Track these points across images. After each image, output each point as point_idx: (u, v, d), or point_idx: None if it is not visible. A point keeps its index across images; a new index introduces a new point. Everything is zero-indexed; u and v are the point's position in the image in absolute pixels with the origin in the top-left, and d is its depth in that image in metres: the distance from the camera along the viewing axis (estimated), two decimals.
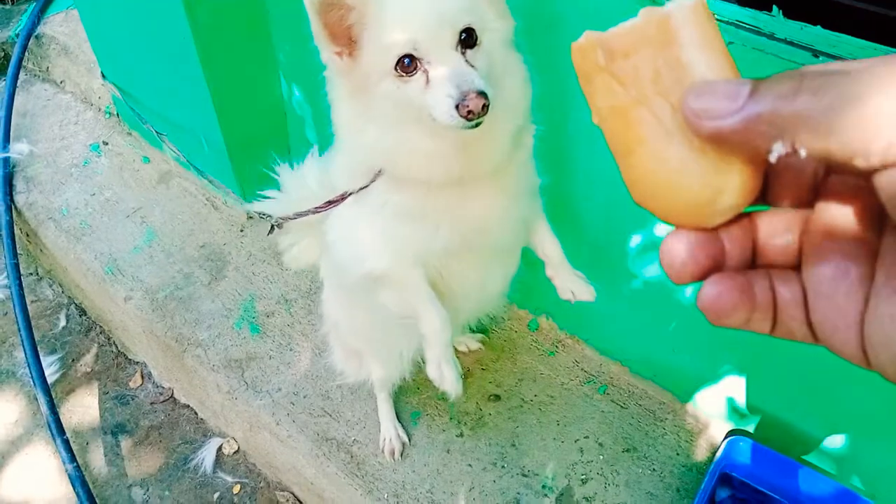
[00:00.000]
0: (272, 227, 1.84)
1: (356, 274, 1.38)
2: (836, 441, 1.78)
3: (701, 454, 1.96)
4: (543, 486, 1.90)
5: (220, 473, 2.30)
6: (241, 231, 2.60)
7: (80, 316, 2.78)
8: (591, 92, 0.42)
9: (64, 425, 2.28)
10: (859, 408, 1.68)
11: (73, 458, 2.20)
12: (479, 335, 2.18)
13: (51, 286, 2.87)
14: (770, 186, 0.42)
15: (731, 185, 0.38)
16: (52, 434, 2.24)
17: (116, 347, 2.68)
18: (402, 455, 1.95)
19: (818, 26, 1.28)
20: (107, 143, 2.91)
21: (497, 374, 2.14)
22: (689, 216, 0.40)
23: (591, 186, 1.82)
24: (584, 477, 1.92)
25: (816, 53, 1.28)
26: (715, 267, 0.42)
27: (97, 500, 2.14)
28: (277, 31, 2.28)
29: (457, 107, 0.93)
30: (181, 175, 2.76)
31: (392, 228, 1.27)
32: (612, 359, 2.14)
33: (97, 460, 2.34)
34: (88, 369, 2.60)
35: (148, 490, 2.26)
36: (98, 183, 2.76)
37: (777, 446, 1.77)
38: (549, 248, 1.45)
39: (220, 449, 2.35)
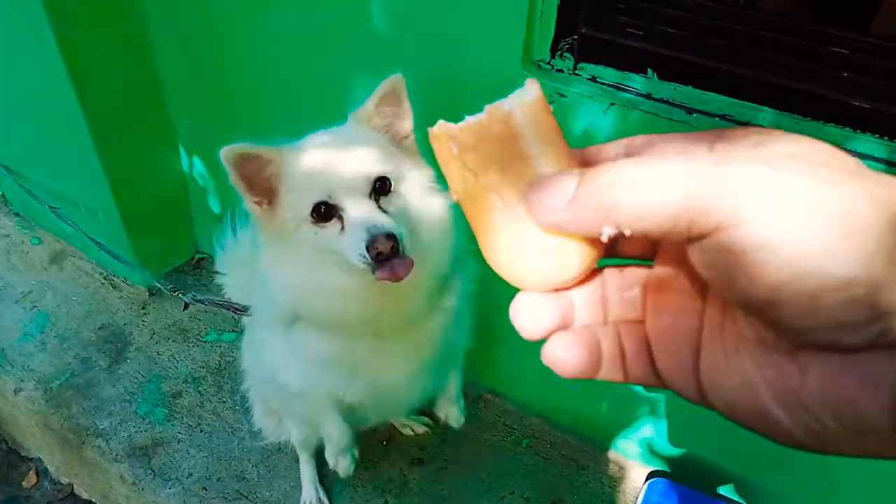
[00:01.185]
0: (185, 304, 1.85)
1: (267, 370, 1.43)
2: (750, 473, 1.84)
3: (624, 498, 1.98)
4: None
5: None
6: (143, 309, 2.49)
7: None
8: (447, 174, 0.45)
9: None
10: (765, 441, 1.75)
11: None
12: (425, 419, 2.10)
13: None
14: (617, 242, 0.45)
15: (574, 259, 0.42)
16: None
17: (6, 444, 2.47)
18: None
19: (689, 86, 1.38)
20: None
21: (420, 437, 2.11)
22: (537, 286, 0.44)
23: None
24: None
25: (690, 111, 1.37)
26: (561, 323, 0.45)
27: None
28: (175, 102, 2.25)
29: (367, 249, 0.98)
30: (75, 255, 2.62)
31: (306, 367, 1.31)
32: (533, 411, 2.15)
33: None
34: None
35: None
36: None
37: (695, 483, 1.81)
38: (450, 388, 1.60)
39: None
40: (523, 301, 0.44)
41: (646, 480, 1.84)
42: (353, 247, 1.00)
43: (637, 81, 1.43)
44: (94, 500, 2.30)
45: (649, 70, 1.40)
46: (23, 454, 2.44)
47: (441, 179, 1.18)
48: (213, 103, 2.17)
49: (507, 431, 2.14)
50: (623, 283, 0.46)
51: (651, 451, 1.98)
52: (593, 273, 0.46)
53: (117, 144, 2.17)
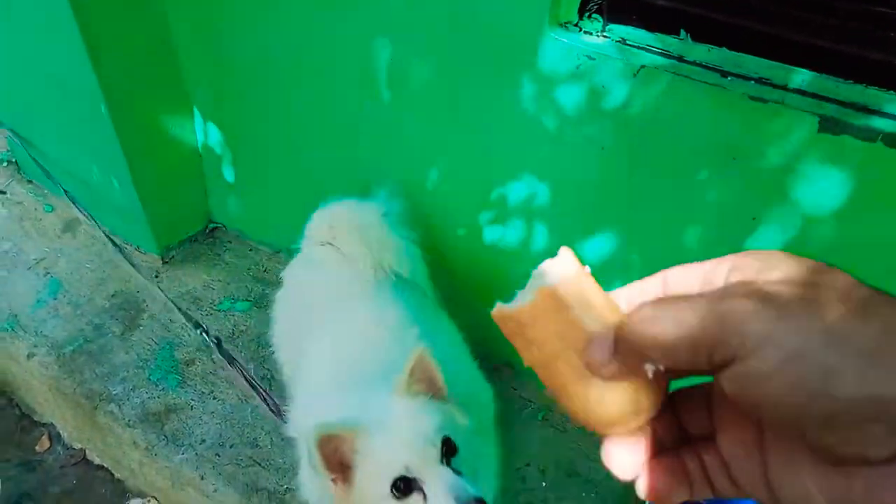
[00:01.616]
0: (210, 344, 1.96)
1: None
2: None
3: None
4: None
5: None
6: (156, 277, 2.47)
7: None
8: (516, 346, 0.51)
9: None
10: None
11: None
12: None
13: None
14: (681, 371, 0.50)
15: (644, 401, 0.47)
16: None
17: (20, 409, 2.46)
18: None
19: (724, 48, 1.34)
20: (4, 192, 2.72)
21: None
22: (618, 430, 0.49)
23: None
24: None
25: (724, 74, 1.33)
26: (651, 457, 0.49)
27: None
28: (189, 69, 2.22)
29: None
30: (89, 223, 2.60)
31: None
32: None
33: None
34: None
35: None
36: None
37: None
38: None
39: None
40: (613, 448, 0.49)
41: None
42: None
43: (669, 43, 1.39)
44: (106, 465, 2.30)
45: (682, 31, 1.36)
46: (36, 419, 2.44)
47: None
48: (228, 71, 2.14)
49: (523, 403, 2.12)
50: (690, 405, 0.51)
51: None
52: (667, 401, 0.50)
53: (131, 111, 2.15)
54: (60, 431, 2.39)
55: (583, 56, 1.45)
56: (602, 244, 1.72)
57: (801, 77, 1.27)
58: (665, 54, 1.40)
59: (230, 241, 2.62)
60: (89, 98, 2.06)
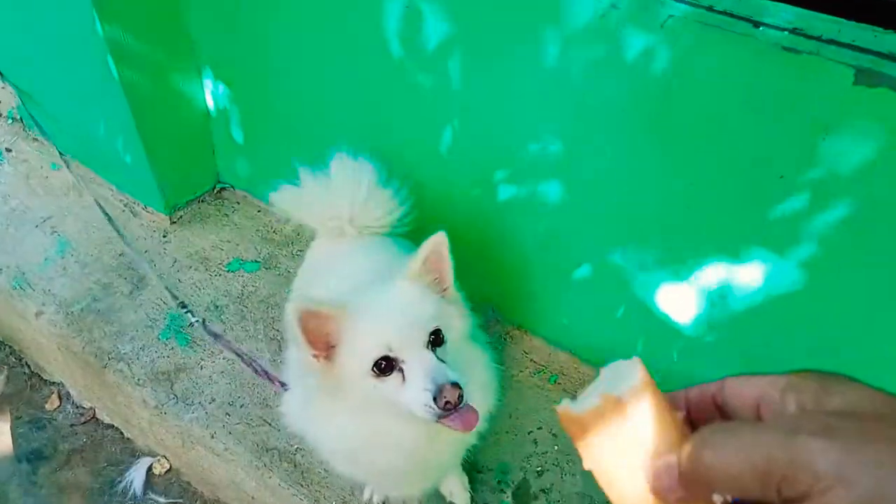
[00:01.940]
0: (191, 323, 1.98)
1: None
2: None
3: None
4: (499, 482, 1.84)
5: (151, 495, 2.13)
6: (164, 237, 2.44)
7: None
8: (579, 448, 0.51)
9: None
10: None
11: None
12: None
13: None
14: None
15: None
16: None
17: (29, 368, 2.46)
18: None
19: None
20: (10, 150, 2.69)
21: None
22: None
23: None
24: (539, 469, 1.87)
25: (756, 24, 1.27)
26: None
27: None
28: (197, 26, 2.16)
29: (434, 399, 1.02)
30: (95, 181, 2.57)
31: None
32: (562, 348, 2.10)
33: (12, 491, 2.13)
34: None
35: None
36: (2, 192, 2.54)
37: None
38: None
39: (150, 469, 2.18)
40: None
41: None
42: (417, 398, 1.04)
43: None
44: (115, 425, 2.30)
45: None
46: (45, 378, 2.44)
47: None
48: (237, 28, 2.08)
49: (534, 368, 2.10)
50: None
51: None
52: None
53: (139, 68, 2.09)
54: (70, 390, 2.39)
55: (607, 5, 1.39)
56: (621, 204, 1.68)
57: (836, 27, 1.21)
58: (693, 3, 1.34)
59: (238, 202, 2.59)
60: (96, 54, 2.01)
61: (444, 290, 1.20)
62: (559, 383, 2.07)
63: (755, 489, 0.40)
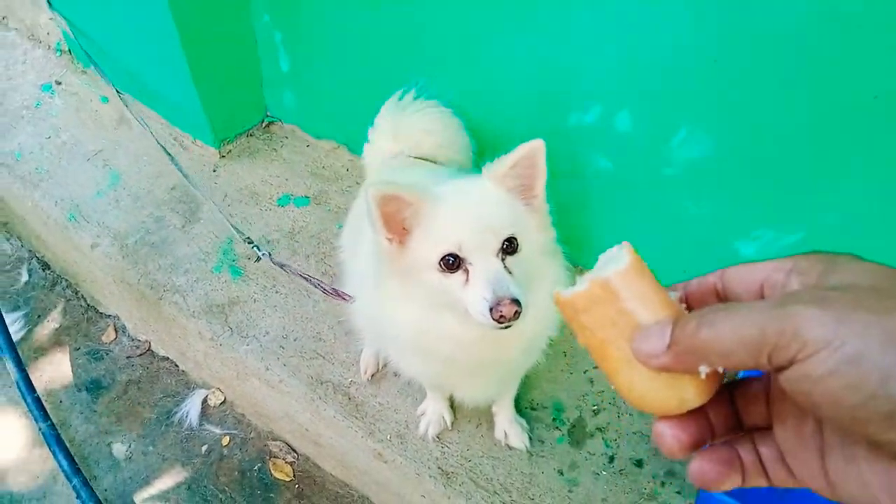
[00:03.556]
0: (258, 257, 1.99)
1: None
2: None
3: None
4: (554, 419, 1.81)
5: (206, 426, 2.17)
6: (214, 171, 2.42)
7: (44, 270, 2.58)
8: (573, 329, 0.55)
9: (34, 383, 2.12)
10: None
11: (46, 417, 2.05)
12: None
13: (8, 240, 2.66)
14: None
15: (690, 393, 0.49)
16: (22, 393, 2.08)
17: (85, 301, 2.50)
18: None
19: None
20: (60, 83, 2.67)
21: None
22: (666, 414, 0.51)
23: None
24: (595, 407, 1.84)
25: None
26: (701, 439, 0.51)
27: (75, 458, 1.99)
28: None
29: (490, 310, 1.01)
30: (145, 115, 2.55)
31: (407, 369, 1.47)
32: None
33: (72, 418, 2.19)
34: (56, 325, 2.43)
35: (130, 446, 2.13)
36: (53, 125, 2.54)
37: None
38: (504, 404, 1.72)
39: (205, 400, 2.22)
40: (663, 427, 0.51)
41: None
42: (477, 304, 1.03)
43: None
44: (170, 357, 2.34)
45: None
46: (101, 310, 2.47)
47: (560, 241, 1.23)
48: None
49: None
50: (749, 396, 0.52)
51: None
52: (723, 389, 0.52)
53: None
54: (125, 323, 2.42)
55: None
56: (688, 139, 1.59)
57: None
58: None
59: (286, 137, 2.55)
60: None
61: (533, 197, 1.15)
62: None
63: (748, 360, 0.42)
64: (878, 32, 1.20)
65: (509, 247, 1.08)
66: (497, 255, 1.07)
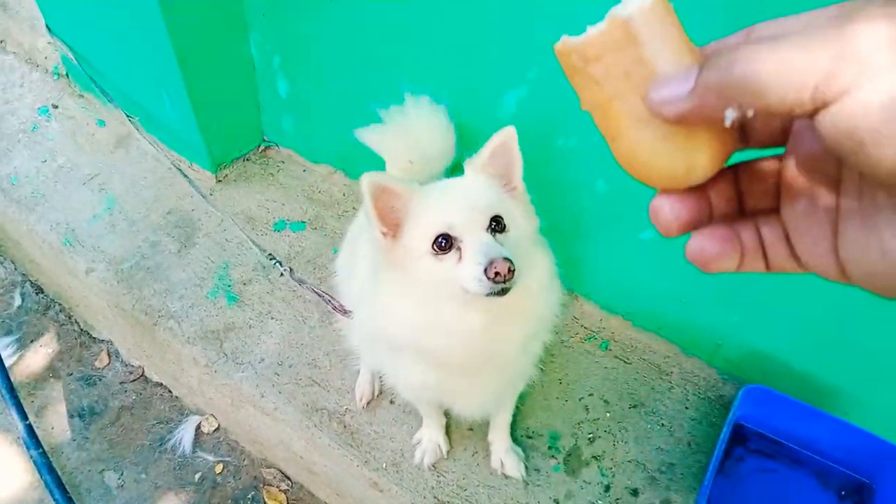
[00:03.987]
0: (282, 273, 1.99)
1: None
2: (849, 385, 1.73)
3: (710, 407, 1.89)
4: (550, 448, 1.81)
5: (200, 453, 2.15)
6: (211, 195, 2.43)
7: (37, 294, 2.57)
8: (576, 86, 0.48)
9: (25, 409, 2.10)
10: (869, 348, 1.62)
11: (37, 444, 2.03)
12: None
13: (1, 263, 2.65)
14: (745, 134, 0.47)
15: (699, 160, 0.44)
16: (13, 419, 2.06)
17: (79, 326, 2.49)
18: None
19: None
20: (57, 107, 2.68)
21: None
22: (669, 185, 0.47)
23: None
24: (591, 435, 1.84)
25: None
26: (699, 220, 0.47)
27: (66, 487, 1.97)
28: None
29: (485, 271, 1.03)
30: (142, 138, 2.56)
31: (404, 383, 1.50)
32: (613, 313, 2.05)
33: (64, 446, 2.17)
34: (49, 350, 2.41)
35: (122, 474, 2.11)
36: (49, 149, 2.54)
37: (790, 395, 1.71)
38: (501, 419, 1.70)
39: (198, 427, 2.21)
40: (661, 201, 0.47)
41: (741, 387, 1.75)
42: (472, 270, 1.06)
43: None
44: (164, 382, 2.32)
45: None
46: (94, 335, 2.46)
47: (543, 231, 1.26)
48: None
49: (585, 333, 2.05)
50: (756, 175, 0.48)
51: (739, 359, 1.88)
52: (726, 170, 0.47)
53: (186, 20, 2.04)
54: (119, 348, 2.41)
55: None
56: None
57: None
58: None
59: (283, 161, 2.56)
60: (144, 6, 1.97)
61: (513, 188, 1.21)
62: (610, 349, 2.02)
63: (787, 96, 0.36)
64: None
65: (497, 225, 1.13)
66: (486, 230, 1.12)
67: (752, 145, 0.48)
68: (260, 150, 2.56)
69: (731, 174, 0.49)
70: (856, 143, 0.35)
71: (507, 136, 1.17)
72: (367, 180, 1.11)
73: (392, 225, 1.17)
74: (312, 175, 2.51)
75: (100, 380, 2.35)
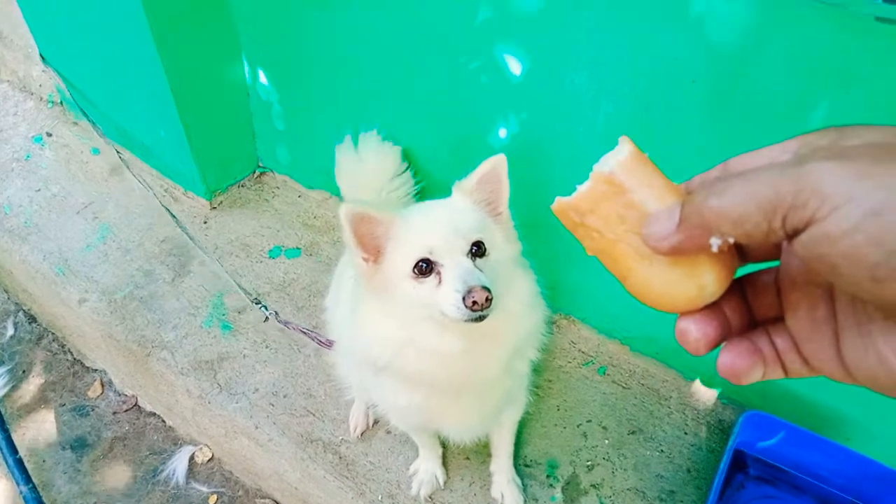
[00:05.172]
0: (266, 317, 2.05)
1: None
2: (850, 410, 1.71)
3: (710, 432, 1.87)
4: (548, 476, 1.78)
5: (193, 484, 2.12)
6: (205, 223, 2.42)
7: (30, 323, 2.55)
8: (579, 237, 0.53)
9: (16, 443, 2.07)
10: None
11: (27, 479, 2.00)
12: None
13: None
14: (744, 253, 0.50)
15: (707, 279, 0.47)
16: (3, 454, 2.03)
17: (72, 355, 2.46)
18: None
19: None
20: (51, 135, 2.68)
21: None
22: (687, 308, 0.50)
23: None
24: (589, 463, 1.81)
25: None
26: (723, 334, 0.50)
27: None
28: (240, 10, 2.11)
29: (463, 299, 1.05)
30: (136, 166, 2.55)
31: (390, 406, 1.48)
32: (611, 338, 2.03)
33: (56, 479, 2.13)
34: (42, 380, 2.39)
35: None
36: (43, 177, 2.53)
37: (791, 420, 1.69)
38: (502, 448, 1.70)
39: (192, 458, 2.17)
40: (685, 324, 0.50)
41: (741, 413, 1.72)
42: (450, 297, 1.07)
43: None
44: (157, 413, 2.29)
45: None
46: (87, 365, 2.43)
47: (526, 255, 1.27)
48: (278, 12, 2.02)
49: (582, 358, 2.03)
50: (759, 288, 0.51)
51: (743, 386, 1.86)
52: (734, 285, 0.50)
53: (180, 51, 2.05)
54: (112, 378, 2.38)
55: None
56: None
57: None
58: None
59: (278, 187, 2.55)
60: (139, 38, 1.98)
61: (498, 214, 1.22)
62: (608, 374, 2.00)
63: (761, 225, 0.40)
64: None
65: (478, 250, 1.13)
66: (467, 255, 1.12)
67: (752, 261, 0.51)
68: (255, 176, 2.56)
69: (739, 289, 0.52)
70: (830, 266, 0.38)
71: (496, 163, 1.18)
72: (345, 210, 1.12)
73: (373, 251, 1.18)
74: (307, 201, 2.50)
75: (92, 410, 2.32)
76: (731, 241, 0.43)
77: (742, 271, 0.51)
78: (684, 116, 1.48)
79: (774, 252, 0.50)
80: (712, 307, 0.50)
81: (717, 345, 0.50)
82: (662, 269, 0.49)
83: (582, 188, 0.51)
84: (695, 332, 0.50)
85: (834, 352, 0.45)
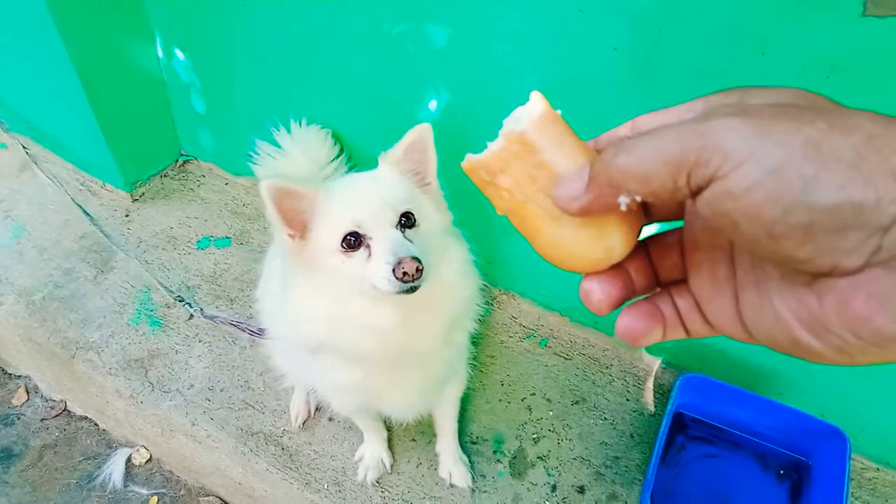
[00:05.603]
0: (191, 315, 2.00)
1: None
2: (782, 367, 1.76)
3: (650, 397, 1.90)
4: (495, 451, 1.78)
5: (132, 487, 2.04)
6: (127, 216, 2.31)
7: None
8: (488, 196, 0.52)
9: None
10: None
11: None
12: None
13: None
14: (650, 212, 0.51)
15: (615, 240, 0.48)
16: None
17: None
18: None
19: None
20: None
21: None
22: (593, 269, 0.50)
23: None
24: (535, 436, 1.82)
25: None
26: (626, 295, 0.51)
27: None
28: None
29: (393, 270, 1.03)
30: (48, 160, 2.41)
31: (327, 387, 1.43)
32: (551, 310, 2.04)
33: None
34: None
35: None
36: None
37: (726, 380, 1.73)
38: (447, 427, 1.69)
39: (128, 460, 2.09)
40: (590, 284, 0.50)
41: (678, 377, 1.76)
42: (380, 269, 1.05)
43: None
44: (89, 416, 2.19)
45: None
46: (10, 371, 2.31)
47: (459, 224, 1.26)
48: None
49: (524, 332, 2.03)
50: (663, 249, 0.52)
51: (680, 350, 1.89)
52: (640, 246, 0.51)
53: (84, 31, 1.93)
54: (38, 383, 2.27)
55: None
56: None
57: None
58: None
59: (204, 175, 2.45)
60: (36, 18, 1.85)
61: (427, 184, 1.20)
62: (550, 346, 2.01)
63: (666, 181, 0.40)
64: None
65: (407, 221, 1.12)
66: (396, 227, 1.10)
67: (657, 220, 0.52)
68: (178, 164, 2.45)
69: (644, 250, 0.53)
70: (731, 222, 0.39)
71: (422, 132, 1.16)
72: (266, 186, 1.08)
73: (299, 227, 1.14)
74: (235, 188, 2.41)
75: (18, 418, 2.20)
76: (639, 199, 0.43)
77: (650, 234, 0.52)
78: (607, 85, 1.47)
79: (679, 211, 0.51)
80: (616, 268, 0.50)
81: (619, 304, 0.51)
82: (571, 230, 0.49)
83: (493, 146, 0.50)
84: (598, 292, 0.50)
85: (734, 311, 0.46)
